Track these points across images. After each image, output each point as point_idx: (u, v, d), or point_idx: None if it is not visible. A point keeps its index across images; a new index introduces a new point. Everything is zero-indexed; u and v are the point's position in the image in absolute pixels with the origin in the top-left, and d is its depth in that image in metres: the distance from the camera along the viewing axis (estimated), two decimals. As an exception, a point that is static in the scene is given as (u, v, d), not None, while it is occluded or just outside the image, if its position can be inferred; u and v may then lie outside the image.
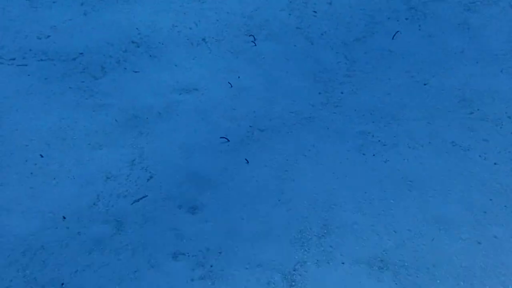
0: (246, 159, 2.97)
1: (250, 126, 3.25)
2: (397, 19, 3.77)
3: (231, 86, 3.55)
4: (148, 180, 2.85)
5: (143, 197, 2.74)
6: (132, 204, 2.68)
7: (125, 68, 3.66)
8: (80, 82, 3.43)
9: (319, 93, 3.43)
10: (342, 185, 2.73)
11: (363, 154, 2.90)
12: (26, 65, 3.53)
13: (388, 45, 3.60)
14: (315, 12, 4.06)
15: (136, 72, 3.64)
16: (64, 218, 2.52)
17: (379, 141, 2.95)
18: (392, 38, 3.61)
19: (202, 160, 3.01)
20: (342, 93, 3.39)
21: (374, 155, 2.88)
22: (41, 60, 3.57)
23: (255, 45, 3.86)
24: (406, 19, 3.73)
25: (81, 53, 3.65)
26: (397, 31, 3.67)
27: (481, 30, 3.38)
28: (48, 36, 3.76)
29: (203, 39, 3.97)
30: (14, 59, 3.57)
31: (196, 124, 3.30)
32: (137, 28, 3.99)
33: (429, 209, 2.47)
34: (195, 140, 3.17)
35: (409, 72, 3.33)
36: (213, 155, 3.05)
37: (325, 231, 2.50)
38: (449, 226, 2.39)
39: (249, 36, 3.93)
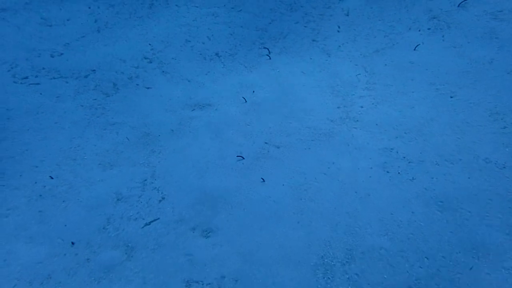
0: (262, 178, 2.81)
1: (265, 143, 3.11)
2: (418, 29, 3.60)
3: (245, 101, 3.43)
4: (160, 201, 2.72)
5: (155, 219, 2.61)
6: (143, 227, 2.54)
7: (137, 85, 3.59)
8: (92, 99, 3.37)
9: (338, 107, 3.28)
10: (366, 206, 2.54)
11: (387, 172, 2.71)
12: (38, 84, 3.50)
13: (409, 57, 3.43)
14: (331, 24, 3.93)
15: (148, 88, 3.57)
16: (73, 243, 2.40)
17: (404, 157, 2.76)
18: (414, 49, 3.44)
19: (216, 179, 2.87)
20: (362, 107, 3.22)
21: (399, 173, 2.69)
22: (54, 78, 3.53)
23: (270, 58, 3.75)
24: (429, 29, 3.57)
25: (94, 70, 3.60)
26: (418, 44, 3.50)
27: (510, 39, 3.18)
28: (61, 54, 3.73)
29: (217, 54, 3.89)
30: (27, 77, 3.54)
31: (210, 141, 3.17)
32: (149, 44, 3.94)
33: (465, 234, 2.25)
34: (208, 158, 3.05)
35: (434, 84, 3.15)
36: (228, 174, 2.91)
37: (350, 257, 2.31)
38: (488, 253, 2.17)
39: (264, 49, 3.82)
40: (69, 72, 3.58)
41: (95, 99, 3.36)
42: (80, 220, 2.54)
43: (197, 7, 4.31)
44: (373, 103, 3.23)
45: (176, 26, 4.11)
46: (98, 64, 3.68)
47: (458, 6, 3.64)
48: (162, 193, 2.78)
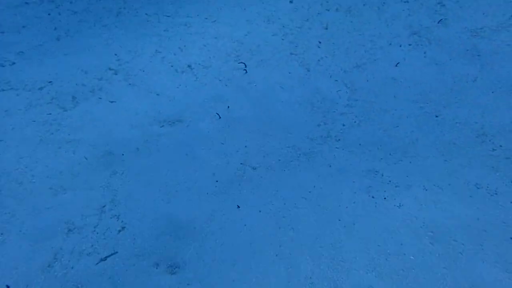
0: (238, 205, 2.54)
1: (241, 164, 2.85)
2: (399, 44, 3.49)
3: (220, 117, 3.17)
4: (119, 231, 2.38)
5: (112, 254, 2.26)
6: (97, 263, 2.19)
7: (100, 98, 3.25)
8: (47, 114, 3.00)
9: (318, 125, 3.07)
10: (351, 236, 2.31)
11: (372, 197, 2.51)
12: (-16, 95, 3.10)
13: (391, 73, 3.30)
14: (310, 37, 3.77)
15: (112, 102, 3.24)
16: (8, 287, 2.02)
17: (390, 181, 2.56)
18: (396, 66, 3.31)
19: (185, 205, 2.57)
20: (343, 125, 3.03)
21: (385, 198, 2.49)
22: (2, 90, 3.14)
23: (246, 72, 3.52)
24: (409, 45, 3.46)
25: (50, 82, 3.24)
26: (399, 62, 3.38)
27: (493, 57, 3.11)
28: (13, 63, 3.35)
29: (189, 66, 3.62)
30: (-29, 88, 3.14)
31: (179, 161, 2.88)
32: (115, 54, 3.63)
33: (460, 271, 2.05)
34: (177, 180, 2.74)
35: (417, 102, 3.01)
36: (199, 199, 2.62)
37: (334, 295, 2.06)
38: (486, 292, 1.98)
39: (240, 62, 3.59)
40: (21, 84, 3.20)
41: (50, 114, 3.00)
42: (20, 256, 2.16)
43: (168, 16, 4.05)
44: (355, 121, 3.04)
45: (146, 36, 3.82)
46: (56, 75, 3.32)
47: (438, 22, 3.57)
48: (122, 221, 2.44)
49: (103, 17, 3.90)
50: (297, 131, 3.06)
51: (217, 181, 2.75)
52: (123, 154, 2.91)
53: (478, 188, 2.37)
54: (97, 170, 2.76)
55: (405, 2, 3.82)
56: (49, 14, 3.81)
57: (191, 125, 3.16)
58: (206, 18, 4.09)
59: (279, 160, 2.88)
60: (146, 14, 4.07)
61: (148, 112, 3.23)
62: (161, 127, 3.13)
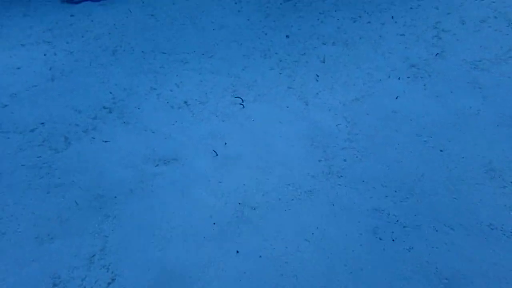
0: (237, 250, 2.38)
1: (239, 204, 2.71)
2: (398, 77, 3.45)
3: (217, 155, 3.06)
4: (109, 283, 2.21)
5: (101, 310, 2.08)
6: (84, 323, 2.01)
7: (93, 138, 3.16)
8: (36, 157, 2.90)
9: (319, 160, 2.96)
10: (359, 284, 2.14)
11: (380, 239, 2.35)
12: (-27, 139, 3.02)
13: (391, 106, 3.23)
14: (307, 71, 3.74)
15: (105, 141, 3.15)
16: None
17: (397, 221, 2.42)
18: (396, 99, 3.25)
19: (180, 252, 2.41)
20: (345, 160, 2.92)
21: (393, 240, 2.33)
22: (-7, 132, 3.06)
23: (243, 107, 3.45)
24: (408, 77, 3.42)
25: (42, 123, 3.16)
26: (398, 94, 3.33)
27: (494, 89, 3.05)
28: (5, 106, 3.28)
29: (185, 102, 3.56)
30: (-40, 131, 3.06)
31: (175, 202, 2.74)
32: (110, 92, 3.58)
33: (482, 323, 1.87)
34: (172, 224, 2.60)
35: (420, 136, 2.91)
36: (195, 244, 2.46)
37: None
38: None
39: (237, 97, 3.54)
40: (13, 126, 3.11)
41: (40, 157, 2.89)
42: (-1, 318, 1.99)
43: (164, 53, 4.04)
44: (357, 156, 2.94)
45: (141, 73, 3.79)
46: (49, 116, 3.25)
47: (436, 55, 3.55)
48: (112, 272, 2.28)
49: (99, 56, 3.90)
50: (297, 167, 2.95)
51: (214, 223, 2.60)
52: (115, 197, 2.78)
53: (492, 229, 2.23)
54: (87, 215, 2.62)
55: (401, 35, 3.82)
56: (44, 55, 3.80)
57: (187, 163, 3.05)
58: (203, 54, 4.08)
59: (280, 199, 2.74)
60: (142, 51, 4.07)
61: (143, 151, 3.13)
62: (155, 166, 3.02)
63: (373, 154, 2.91)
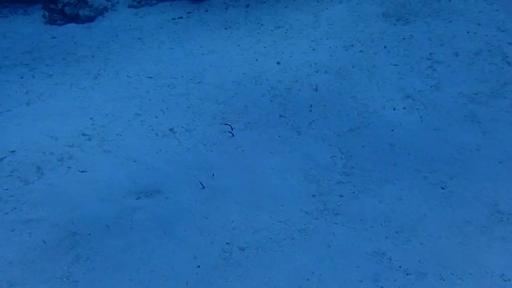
0: (222, 300, 2.12)
1: (227, 243, 2.48)
2: (393, 108, 3.34)
3: (203, 187, 2.84)
4: None
5: None
6: None
7: (69, 168, 2.90)
8: (3, 190, 2.62)
9: (313, 195, 2.77)
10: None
11: (382, 288, 2.14)
12: None
13: (388, 138, 3.09)
14: (299, 99, 3.60)
15: (82, 172, 2.89)
16: None
17: (399, 267, 2.21)
18: (392, 131, 3.12)
19: (160, 300, 2.14)
20: (341, 196, 2.73)
21: (397, 289, 2.12)
22: (-45, 162, 2.78)
23: (233, 135, 3.27)
24: (404, 108, 3.31)
25: (13, 151, 2.90)
26: (394, 126, 3.21)
27: (493, 124, 2.96)
28: (-28, 131, 3.03)
29: (171, 129, 3.36)
30: None
31: (155, 241, 2.49)
32: (91, 118, 3.35)
33: None
34: (152, 266, 2.34)
35: (420, 171, 2.76)
36: (177, 291, 2.19)
37: None
38: None
39: (225, 125, 3.35)
40: (-22, 154, 2.85)
41: (7, 190, 2.61)
42: None
43: (151, 78, 3.87)
44: (353, 192, 2.75)
45: (125, 98, 3.59)
46: (21, 143, 2.99)
47: (431, 86, 3.47)
48: (80, 327, 1.98)
49: (80, 80, 3.69)
50: (289, 203, 2.74)
51: (198, 266, 2.35)
52: (89, 234, 2.51)
53: (505, 280, 2.04)
54: (56, 256, 2.34)
55: (394, 65, 3.75)
56: (21, 78, 3.57)
57: (170, 196, 2.81)
58: (191, 79, 3.93)
59: (271, 238, 2.52)
60: (127, 75, 3.88)
61: (123, 182, 2.88)
62: (136, 199, 2.77)
63: (371, 190, 2.73)
